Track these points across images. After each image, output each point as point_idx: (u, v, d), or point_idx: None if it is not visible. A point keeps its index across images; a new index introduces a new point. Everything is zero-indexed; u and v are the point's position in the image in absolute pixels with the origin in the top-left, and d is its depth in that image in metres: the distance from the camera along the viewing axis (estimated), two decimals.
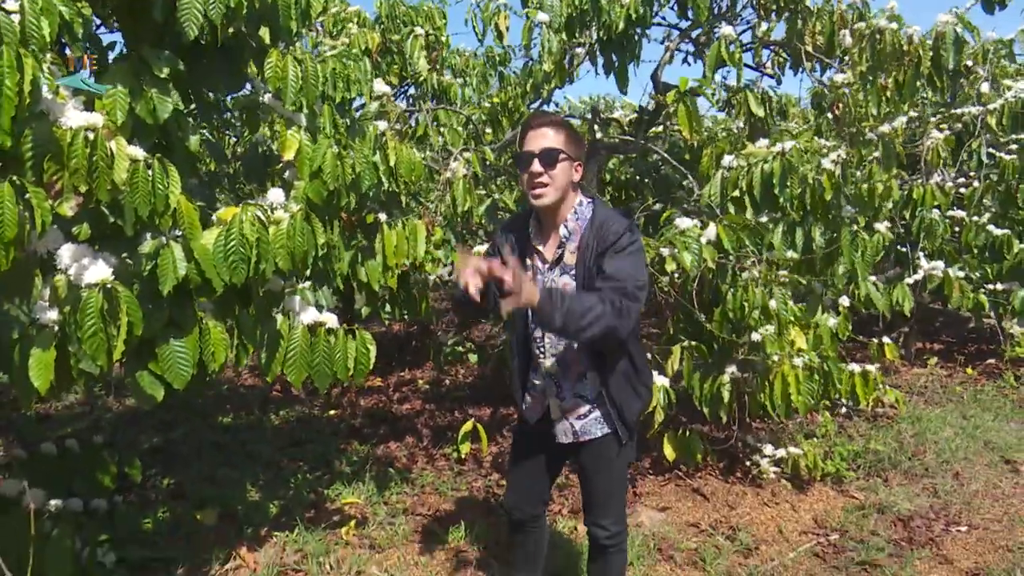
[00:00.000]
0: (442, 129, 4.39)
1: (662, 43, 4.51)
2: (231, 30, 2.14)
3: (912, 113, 4.68)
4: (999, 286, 5.23)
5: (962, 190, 5.34)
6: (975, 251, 5.20)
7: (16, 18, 1.59)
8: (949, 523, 3.25)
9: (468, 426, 3.70)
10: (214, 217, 1.92)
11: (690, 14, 3.91)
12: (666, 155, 4.43)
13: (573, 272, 2.02)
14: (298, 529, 3.14)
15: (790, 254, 3.49)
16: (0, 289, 1.60)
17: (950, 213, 5.08)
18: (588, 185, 3.96)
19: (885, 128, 3.82)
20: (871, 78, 3.74)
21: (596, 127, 4.72)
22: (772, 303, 3.19)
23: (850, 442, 4.09)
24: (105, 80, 1.83)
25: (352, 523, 3.21)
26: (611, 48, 3.62)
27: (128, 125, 1.85)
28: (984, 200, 5.27)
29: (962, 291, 4.97)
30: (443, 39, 4.89)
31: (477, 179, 3.86)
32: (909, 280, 4.92)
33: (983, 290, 5.16)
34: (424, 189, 4.13)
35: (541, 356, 2.12)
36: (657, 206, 4.54)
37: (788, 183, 3.19)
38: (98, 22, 2.20)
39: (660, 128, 5.17)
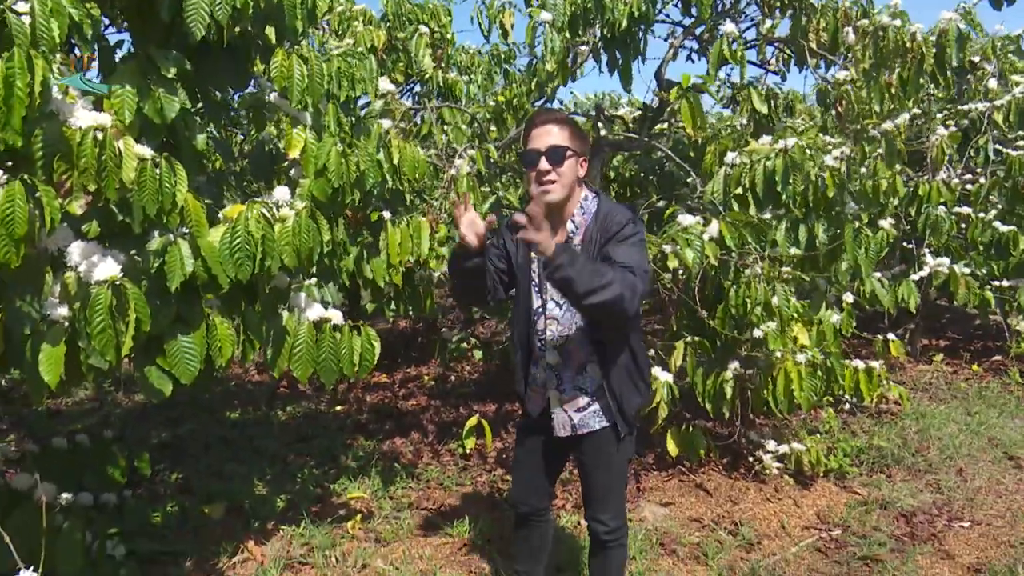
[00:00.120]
0: (446, 127, 4.42)
1: (666, 40, 4.52)
2: (237, 30, 2.17)
3: (916, 110, 4.67)
4: (1005, 283, 5.22)
5: (968, 186, 5.32)
6: (981, 247, 5.19)
7: (27, 19, 1.62)
8: (951, 519, 3.26)
9: (473, 422, 3.74)
10: (221, 215, 1.95)
11: (694, 11, 3.93)
12: (670, 152, 4.44)
13: None
14: (304, 523, 3.17)
15: (793, 251, 3.50)
16: (11, 285, 1.64)
17: (956, 209, 5.07)
18: (592, 182, 3.97)
19: (888, 125, 3.82)
20: (874, 75, 3.74)
21: (600, 124, 4.73)
22: (774, 299, 3.20)
23: (853, 438, 4.10)
24: (113, 80, 1.86)
25: (358, 517, 3.24)
26: (614, 46, 3.63)
27: (136, 124, 1.89)
28: (991, 196, 5.26)
29: (968, 288, 4.97)
30: (448, 36, 4.91)
31: (481, 176, 3.88)
32: (915, 277, 4.92)
33: (989, 287, 5.14)
34: (428, 187, 4.15)
35: (542, 348, 2.14)
36: (661, 203, 4.56)
37: (791, 180, 3.20)
38: (106, 22, 2.23)
39: (664, 125, 5.18)
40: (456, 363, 5.63)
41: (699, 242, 3.01)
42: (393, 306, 3.51)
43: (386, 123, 2.89)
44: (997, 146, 5.16)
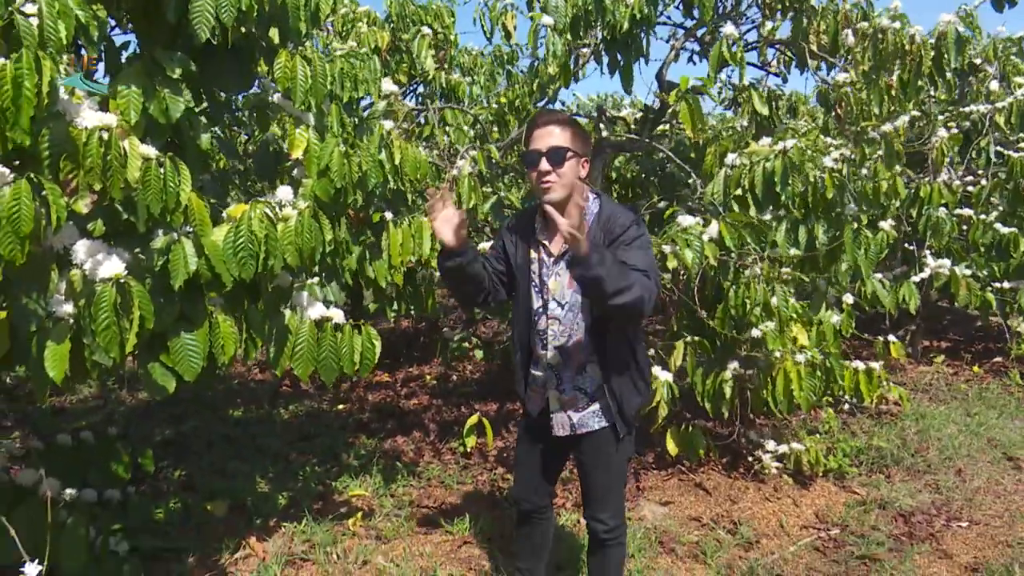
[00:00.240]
0: (448, 129, 4.44)
1: (667, 42, 4.54)
2: (242, 31, 2.19)
3: (916, 112, 4.68)
4: (1006, 284, 5.23)
5: (970, 188, 5.33)
6: (982, 249, 5.19)
7: (34, 21, 1.65)
8: (950, 519, 3.27)
9: (474, 420, 3.76)
10: (224, 214, 1.97)
11: (695, 13, 3.94)
12: (671, 153, 4.46)
13: None
14: (306, 520, 3.20)
15: (793, 252, 3.51)
16: (17, 283, 1.66)
17: (957, 211, 5.08)
18: (594, 182, 3.99)
19: (887, 127, 3.83)
20: (874, 77, 3.75)
21: (602, 125, 4.75)
22: (773, 300, 3.22)
23: (853, 438, 4.11)
24: (119, 80, 1.89)
25: (359, 514, 3.26)
26: (615, 48, 3.64)
27: (141, 124, 1.91)
28: (992, 198, 5.27)
29: (969, 289, 4.97)
30: (452, 38, 4.93)
31: (483, 177, 3.90)
32: (916, 278, 4.92)
33: (990, 288, 5.15)
34: (431, 187, 4.17)
35: (543, 348, 2.16)
36: (662, 204, 4.57)
37: (790, 181, 3.21)
38: (112, 23, 2.26)
39: (666, 126, 5.20)
40: (458, 362, 5.65)
41: (698, 243, 3.03)
42: (395, 306, 3.53)
43: (388, 124, 2.92)
44: (999, 148, 5.16)
